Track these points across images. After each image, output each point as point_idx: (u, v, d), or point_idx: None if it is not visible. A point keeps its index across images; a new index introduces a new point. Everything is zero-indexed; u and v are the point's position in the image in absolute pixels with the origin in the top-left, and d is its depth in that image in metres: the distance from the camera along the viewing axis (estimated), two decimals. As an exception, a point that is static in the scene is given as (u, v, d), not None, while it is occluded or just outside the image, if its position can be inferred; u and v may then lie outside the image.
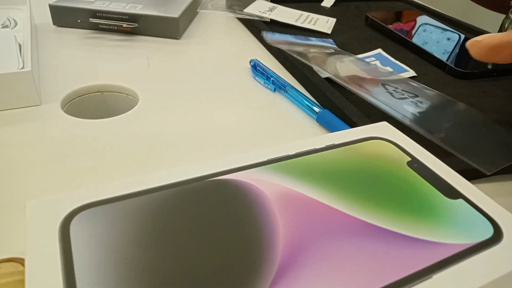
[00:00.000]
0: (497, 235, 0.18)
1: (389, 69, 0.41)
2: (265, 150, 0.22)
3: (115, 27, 0.46)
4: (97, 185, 0.19)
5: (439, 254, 0.17)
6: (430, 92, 0.35)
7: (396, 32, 0.50)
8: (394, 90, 0.33)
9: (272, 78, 0.38)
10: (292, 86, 0.37)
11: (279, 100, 0.37)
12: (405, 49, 0.48)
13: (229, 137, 0.31)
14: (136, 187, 0.19)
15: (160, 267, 0.15)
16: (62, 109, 0.33)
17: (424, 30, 0.56)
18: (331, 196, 0.19)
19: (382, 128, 0.25)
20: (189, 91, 0.37)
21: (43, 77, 0.37)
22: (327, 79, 0.37)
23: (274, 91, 0.38)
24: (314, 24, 0.52)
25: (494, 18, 0.83)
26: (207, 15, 0.56)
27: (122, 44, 0.45)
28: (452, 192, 0.20)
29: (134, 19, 0.46)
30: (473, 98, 0.38)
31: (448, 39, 0.50)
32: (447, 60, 0.44)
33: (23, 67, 0.32)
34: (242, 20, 0.55)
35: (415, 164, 0.22)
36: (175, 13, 0.47)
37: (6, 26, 0.41)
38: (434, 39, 0.52)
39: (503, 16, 0.80)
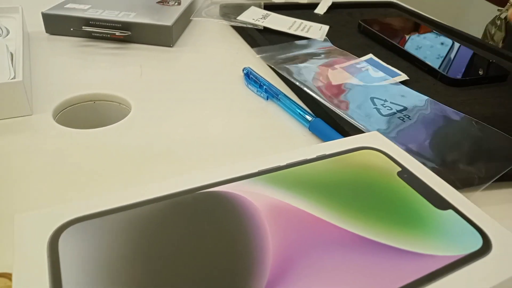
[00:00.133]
0: (486, 246, 0.18)
1: (381, 74, 0.41)
2: (256, 161, 0.22)
3: (108, 35, 0.46)
4: (86, 198, 0.19)
5: (428, 266, 0.17)
6: (420, 102, 0.36)
7: (388, 39, 0.51)
8: (382, 105, 0.33)
9: (264, 86, 0.38)
10: (284, 95, 0.37)
11: (272, 109, 0.37)
12: (397, 56, 0.49)
13: (222, 146, 0.31)
14: (126, 201, 0.19)
15: (150, 282, 0.15)
16: (54, 119, 0.33)
17: (421, 26, 0.56)
18: (321, 208, 0.19)
19: (373, 138, 0.26)
20: (182, 100, 0.37)
21: (35, 86, 0.37)
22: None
23: (267, 99, 0.38)
24: (307, 31, 0.53)
25: (483, 24, 0.84)
26: (200, 23, 0.57)
27: (115, 52, 0.45)
28: (442, 203, 0.20)
29: (127, 27, 0.47)
30: (464, 105, 0.38)
31: (442, 43, 0.51)
32: (440, 65, 0.44)
33: (14, 77, 0.32)
34: (235, 28, 0.55)
35: (405, 175, 0.22)
36: (168, 21, 0.47)
37: (-2, 35, 0.41)
38: (428, 44, 0.53)
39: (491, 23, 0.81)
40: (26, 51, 0.40)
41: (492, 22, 0.81)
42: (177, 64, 0.43)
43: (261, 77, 0.39)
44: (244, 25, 0.53)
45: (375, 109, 0.34)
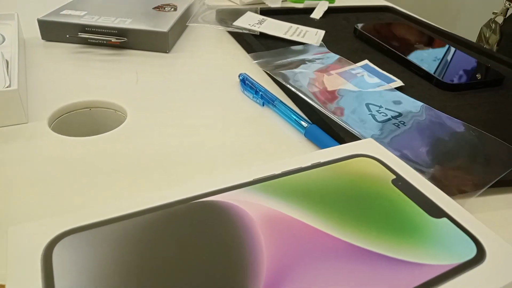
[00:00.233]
0: (480, 255, 0.18)
1: (376, 79, 0.42)
2: (251, 170, 0.22)
3: (104, 42, 0.46)
4: (80, 209, 0.19)
5: (422, 276, 0.17)
6: (415, 108, 0.36)
7: (384, 44, 0.51)
8: (377, 111, 0.33)
9: (260, 92, 0.38)
10: (280, 101, 0.37)
11: (267, 115, 0.37)
12: (392, 61, 0.49)
13: (218, 153, 0.31)
14: (120, 211, 0.19)
15: (143, 295, 0.15)
16: (50, 127, 0.33)
17: (416, 30, 0.56)
18: (316, 217, 0.19)
19: (368, 145, 0.26)
20: (177, 106, 0.37)
21: (30, 93, 0.37)
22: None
23: (263, 105, 0.38)
24: (303, 36, 0.53)
25: (478, 28, 0.85)
26: (196, 28, 0.57)
27: (111, 58, 0.45)
28: (436, 211, 0.20)
29: (123, 34, 0.47)
30: (459, 110, 0.39)
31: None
32: (437, 68, 0.45)
33: (9, 85, 0.32)
34: (231, 33, 0.55)
35: (400, 182, 0.22)
36: (164, 27, 0.47)
37: (-6, 42, 0.41)
38: (426, 38, 0.53)
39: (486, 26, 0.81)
40: (22, 58, 0.40)
41: (487, 25, 0.82)
42: (173, 70, 0.44)
43: (257, 83, 0.40)
44: (240, 31, 0.53)
45: (370, 115, 0.34)
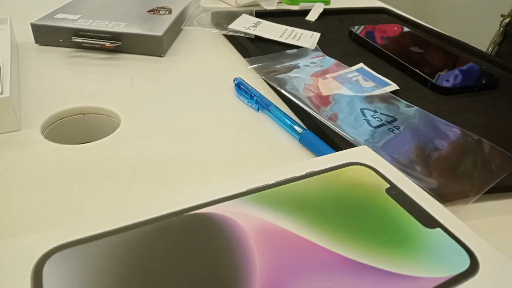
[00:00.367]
0: (473, 266, 0.18)
1: (371, 83, 0.42)
2: (244, 179, 0.22)
3: (98, 46, 0.46)
4: (71, 223, 0.19)
5: (415, 289, 0.17)
6: (410, 113, 0.36)
7: (379, 47, 0.51)
8: (372, 116, 0.33)
9: (255, 97, 0.38)
10: (275, 106, 0.37)
11: (262, 120, 0.37)
12: (387, 64, 0.49)
13: (212, 159, 0.31)
14: (113, 225, 0.18)
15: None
16: (43, 134, 0.32)
17: (412, 32, 0.56)
18: (309, 229, 0.19)
19: (362, 153, 0.26)
20: (172, 112, 0.36)
21: (23, 99, 0.36)
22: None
23: (258, 110, 0.38)
24: (299, 39, 0.53)
25: (475, 30, 0.85)
26: (191, 31, 0.56)
27: (105, 63, 0.45)
28: (430, 221, 0.20)
29: (117, 38, 0.46)
30: (454, 114, 0.39)
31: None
32: (432, 71, 0.45)
33: (1, 92, 0.32)
34: (227, 36, 0.55)
35: (394, 191, 0.22)
36: (159, 31, 0.47)
37: (-14, 47, 0.40)
38: (421, 40, 0.53)
39: (482, 28, 0.81)
40: (15, 63, 0.40)
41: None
42: (167, 75, 0.43)
43: (252, 87, 0.39)
44: (236, 34, 0.53)
45: (365, 120, 0.34)
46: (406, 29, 0.58)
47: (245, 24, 0.55)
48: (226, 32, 0.54)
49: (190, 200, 0.20)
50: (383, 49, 0.50)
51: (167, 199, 0.20)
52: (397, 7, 0.73)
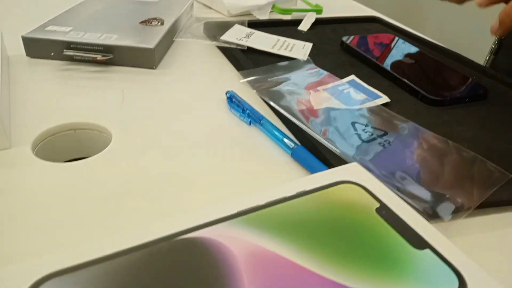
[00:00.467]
0: (461, 289, 0.18)
1: (363, 96, 0.42)
2: (235, 201, 0.22)
3: (90, 59, 0.46)
4: (61, 251, 0.18)
5: (404, 314, 0.17)
6: (401, 126, 0.36)
7: (370, 58, 0.51)
8: (363, 130, 0.33)
9: (247, 111, 0.38)
10: (267, 120, 0.37)
11: (254, 134, 0.37)
12: (379, 75, 0.49)
13: (204, 175, 0.31)
14: (102, 251, 0.18)
15: None
16: (33, 151, 0.32)
17: (403, 42, 0.57)
18: (299, 252, 0.19)
19: (353, 170, 0.26)
20: (163, 127, 0.36)
21: (14, 115, 0.36)
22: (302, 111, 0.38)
23: (250, 124, 0.38)
24: (291, 50, 0.53)
25: (473, 39, 0.85)
26: (184, 43, 0.56)
27: (97, 76, 0.45)
28: (419, 242, 0.21)
29: (109, 50, 0.46)
30: (445, 126, 0.39)
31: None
32: (423, 82, 0.45)
33: (-9, 110, 0.31)
34: (219, 47, 0.55)
35: (384, 211, 0.22)
36: (151, 44, 0.47)
37: (-23, 62, 0.40)
38: (413, 50, 0.54)
39: (480, 37, 0.82)
40: (5, 77, 0.40)
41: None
42: (159, 88, 0.43)
43: (244, 101, 0.39)
44: (228, 45, 0.53)
45: (356, 135, 0.34)
46: (397, 38, 0.59)
47: (238, 35, 0.55)
48: (218, 44, 0.54)
49: (180, 224, 0.20)
50: (374, 60, 0.50)
51: (156, 223, 0.20)
52: (389, 16, 0.74)
